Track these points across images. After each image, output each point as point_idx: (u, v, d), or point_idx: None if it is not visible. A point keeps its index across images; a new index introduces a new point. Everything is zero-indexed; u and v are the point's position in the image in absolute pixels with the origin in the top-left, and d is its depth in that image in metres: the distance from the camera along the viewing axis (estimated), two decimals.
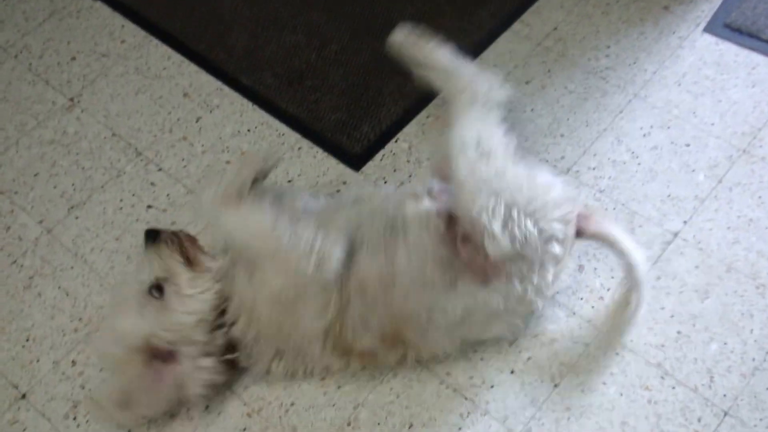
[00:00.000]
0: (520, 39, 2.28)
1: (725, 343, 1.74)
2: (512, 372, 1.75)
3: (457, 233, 1.63)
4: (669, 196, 1.96)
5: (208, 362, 1.66)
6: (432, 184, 1.76)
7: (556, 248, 1.62)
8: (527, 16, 2.32)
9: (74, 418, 1.77)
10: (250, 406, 1.75)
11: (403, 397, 1.74)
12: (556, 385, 1.73)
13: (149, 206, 2.07)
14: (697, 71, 2.17)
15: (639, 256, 1.67)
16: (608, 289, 1.83)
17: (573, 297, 1.83)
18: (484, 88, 1.75)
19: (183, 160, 2.14)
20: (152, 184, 2.11)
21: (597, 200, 1.96)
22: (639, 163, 2.02)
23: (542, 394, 1.72)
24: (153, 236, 1.74)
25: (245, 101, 2.24)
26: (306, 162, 2.11)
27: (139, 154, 2.17)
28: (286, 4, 2.43)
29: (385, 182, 2.05)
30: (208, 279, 1.69)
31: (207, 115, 2.23)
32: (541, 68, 2.22)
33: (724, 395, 1.68)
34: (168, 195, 2.08)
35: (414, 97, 2.19)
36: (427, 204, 1.69)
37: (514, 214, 1.56)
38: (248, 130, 2.18)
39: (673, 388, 1.70)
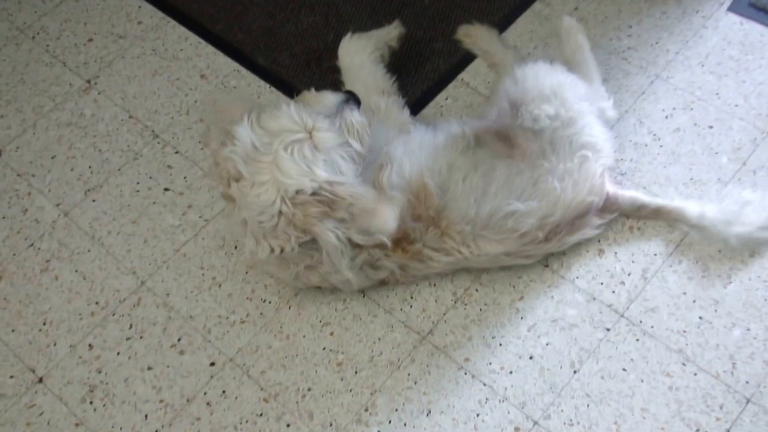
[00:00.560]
0: (540, 19, 2.24)
1: (748, 329, 1.72)
2: (531, 357, 1.74)
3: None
4: (691, 179, 1.93)
5: None
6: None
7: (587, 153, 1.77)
8: None
9: (91, 402, 1.77)
10: (267, 391, 1.75)
11: (420, 383, 1.73)
12: (575, 371, 1.71)
13: (166, 189, 2.06)
14: (721, 51, 2.12)
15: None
16: (629, 274, 1.81)
17: (593, 282, 1.81)
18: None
19: (200, 142, 2.13)
20: (169, 166, 2.10)
21: (618, 183, 1.93)
22: (661, 146, 1.99)
23: (561, 380, 1.70)
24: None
25: (262, 83, 2.23)
26: None
27: (156, 136, 2.16)
28: None
29: None
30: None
31: (225, 97, 2.21)
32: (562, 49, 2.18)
33: (747, 382, 1.66)
34: (185, 178, 2.07)
35: (432, 79, 2.16)
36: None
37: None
38: None
39: (695, 374, 1.68)
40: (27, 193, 2.09)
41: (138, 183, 2.08)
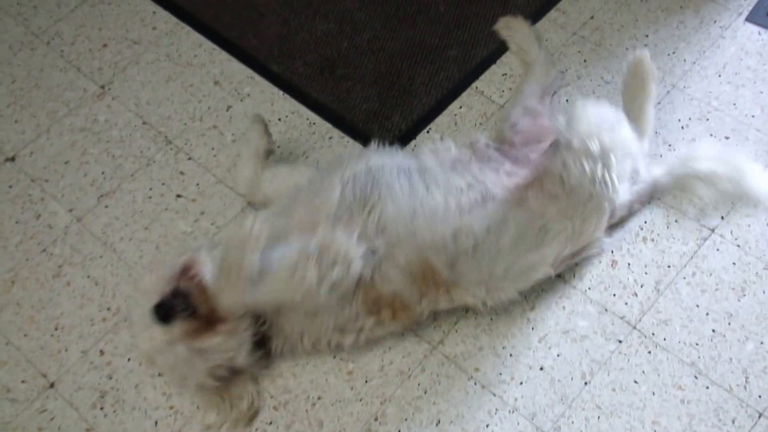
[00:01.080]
0: (556, 27, 2.23)
1: (761, 343, 1.70)
2: (542, 368, 1.72)
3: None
4: None
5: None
6: (478, 139, 1.85)
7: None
8: (564, 4, 2.27)
9: (101, 408, 1.77)
10: (277, 399, 1.75)
11: (430, 393, 1.72)
12: (586, 383, 1.70)
13: (178, 195, 2.06)
14: (738, 61, 2.11)
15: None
16: (642, 286, 1.79)
17: (605, 293, 1.80)
18: None
19: (213, 149, 2.13)
20: (182, 173, 2.10)
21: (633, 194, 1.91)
22: (677, 157, 1.97)
23: (572, 392, 1.69)
24: (164, 316, 1.62)
25: (276, 90, 2.23)
26: (337, 151, 2.09)
27: (169, 142, 2.16)
28: None
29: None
30: (235, 334, 1.67)
31: (238, 103, 2.21)
32: (577, 57, 2.17)
33: (760, 396, 1.64)
34: (197, 184, 2.07)
35: (446, 88, 2.16)
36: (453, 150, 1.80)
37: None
38: (279, 119, 2.17)
39: (707, 387, 1.67)
40: (40, 199, 2.10)
41: (151, 189, 2.09)
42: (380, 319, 1.69)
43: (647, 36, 2.18)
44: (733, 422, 1.62)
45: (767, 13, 2.16)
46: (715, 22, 2.18)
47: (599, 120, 1.70)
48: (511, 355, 1.75)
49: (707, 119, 2.02)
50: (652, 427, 1.64)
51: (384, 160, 1.76)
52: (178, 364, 1.64)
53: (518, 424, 1.67)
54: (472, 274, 1.67)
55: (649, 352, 1.72)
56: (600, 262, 1.84)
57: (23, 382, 1.82)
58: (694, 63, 2.12)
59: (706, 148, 1.90)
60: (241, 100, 2.22)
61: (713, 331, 1.73)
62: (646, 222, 1.88)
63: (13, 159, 2.18)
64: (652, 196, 1.88)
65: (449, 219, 1.67)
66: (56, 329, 1.89)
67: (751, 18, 2.17)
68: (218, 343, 1.64)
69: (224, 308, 1.63)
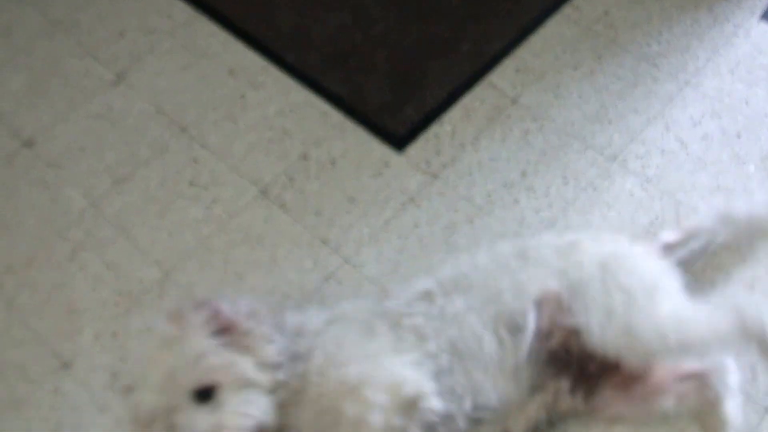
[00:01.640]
0: (569, 23, 2.24)
1: None
2: None
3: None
4: (718, 186, 1.91)
5: None
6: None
7: None
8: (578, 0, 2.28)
9: (114, 390, 1.79)
10: None
11: None
12: None
13: (192, 183, 2.08)
14: (752, 60, 2.11)
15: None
16: None
17: None
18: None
19: (226, 137, 2.15)
20: (195, 160, 2.12)
21: (644, 190, 1.92)
22: (688, 153, 1.98)
23: None
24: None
25: (290, 80, 2.24)
26: (349, 142, 2.10)
27: (183, 130, 2.18)
28: None
29: (428, 165, 2.03)
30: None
31: (251, 93, 2.23)
32: (590, 53, 2.18)
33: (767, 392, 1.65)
34: (211, 172, 2.09)
35: (459, 80, 2.17)
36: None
37: None
38: (291, 109, 2.18)
39: None
40: (56, 183, 2.12)
41: (164, 176, 2.10)
42: None
43: (661, 33, 2.18)
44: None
45: None
46: (728, 20, 2.18)
47: None
48: None
49: (720, 117, 2.03)
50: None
51: None
52: None
53: None
54: None
55: None
56: None
57: (37, 362, 1.84)
58: (708, 60, 2.12)
59: None
60: (255, 90, 2.23)
61: None
62: None
63: (30, 144, 2.20)
64: None
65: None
66: (70, 311, 1.91)
67: (766, 17, 2.17)
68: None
69: None
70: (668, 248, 1.68)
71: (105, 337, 1.86)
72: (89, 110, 2.25)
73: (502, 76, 2.17)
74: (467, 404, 1.45)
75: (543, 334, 1.49)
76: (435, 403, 1.41)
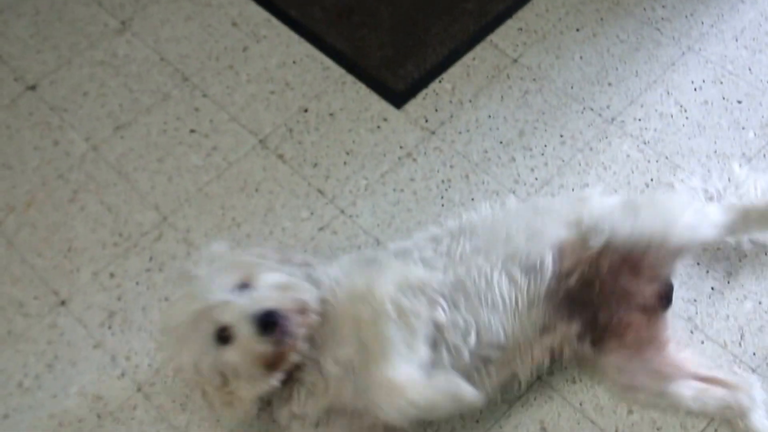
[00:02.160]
0: None
1: (760, 303, 1.72)
2: None
3: None
4: (715, 152, 1.92)
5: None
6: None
7: None
8: None
9: (109, 327, 1.82)
10: None
11: None
12: None
13: (192, 130, 2.10)
14: (757, 27, 2.11)
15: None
16: None
17: None
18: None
19: (228, 87, 2.16)
20: (196, 109, 2.14)
21: (640, 152, 1.93)
22: (687, 117, 1.98)
23: None
24: (265, 326, 1.38)
25: (292, 33, 2.25)
26: (349, 97, 2.11)
27: (185, 79, 2.19)
28: None
29: (426, 121, 2.04)
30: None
31: (254, 45, 2.24)
32: (593, 16, 2.18)
33: (754, 353, 1.66)
34: (211, 120, 2.11)
35: (461, 39, 2.17)
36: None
37: None
38: (293, 62, 2.19)
39: (702, 342, 1.69)
40: (58, 126, 2.14)
41: (165, 123, 2.12)
42: None
43: None
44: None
45: None
46: None
47: None
48: None
49: (721, 82, 2.03)
50: None
51: None
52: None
53: None
54: None
55: None
56: None
57: (35, 298, 1.87)
58: (712, 26, 2.12)
59: None
60: (258, 42, 2.24)
61: (712, 288, 1.74)
62: None
63: (34, 88, 2.22)
64: None
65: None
66: (69, 250, 1.94)
67: None
68: (262, 388, 1.45)
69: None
70: None
71: (102, 277, 1.89)
72: (93, 56, 2.26)
73: (505, 36, 2.17)
74: (472, 339, 1.48)
75: (562, 274, 1.53)
76: (440, 300, 1.47)
